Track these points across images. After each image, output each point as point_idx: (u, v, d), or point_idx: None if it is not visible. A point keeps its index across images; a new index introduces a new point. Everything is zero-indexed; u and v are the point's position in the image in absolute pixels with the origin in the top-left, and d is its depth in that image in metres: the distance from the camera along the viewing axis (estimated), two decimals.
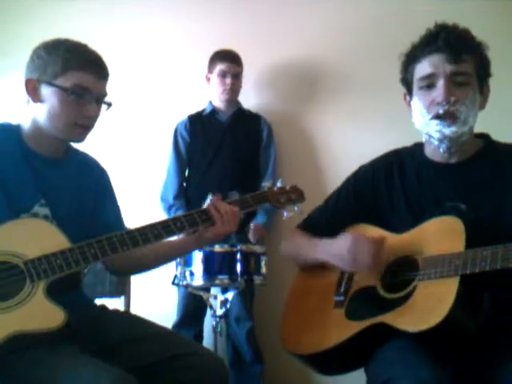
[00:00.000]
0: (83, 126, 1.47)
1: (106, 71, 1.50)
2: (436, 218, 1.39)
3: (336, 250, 1.47)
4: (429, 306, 1.27)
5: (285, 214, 1.69)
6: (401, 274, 1.41)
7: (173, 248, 1.61)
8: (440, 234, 1.37)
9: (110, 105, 1.53)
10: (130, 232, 1.42)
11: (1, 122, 1.54)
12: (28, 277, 1.29)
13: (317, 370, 1.55)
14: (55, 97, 1.43)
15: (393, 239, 1.47)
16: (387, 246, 1.45)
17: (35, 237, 1.35)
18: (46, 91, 1.44)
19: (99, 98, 1.48)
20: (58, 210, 1.46)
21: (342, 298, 1.47)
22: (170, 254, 1.63)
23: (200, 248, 1.90)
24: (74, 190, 1.53)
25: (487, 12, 2.77)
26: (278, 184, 1.71)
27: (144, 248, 1.45)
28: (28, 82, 1.45)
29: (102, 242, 1.38)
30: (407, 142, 1.61)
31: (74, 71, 1.42)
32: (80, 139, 1.50)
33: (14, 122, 1.53)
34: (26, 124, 1.49)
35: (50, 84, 1.42)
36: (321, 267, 1.56)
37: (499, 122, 1.82)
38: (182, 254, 1.89)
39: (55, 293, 1.30)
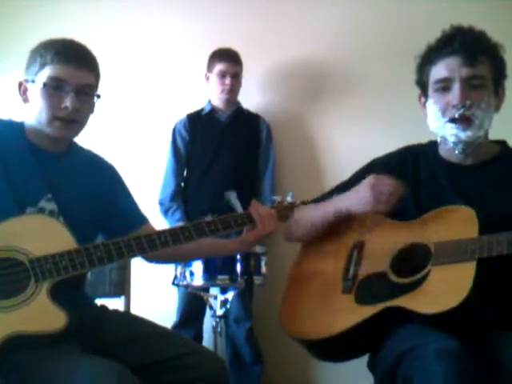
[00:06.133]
0: (63, 119, 1.44)
1: (86, 61, 1.47)
2: (447, 206, 1.40)
3: (355, 194, 1.48)
4: (446, 289, 1.28)
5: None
6: (412, 259, 1.42)
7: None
8: (452, 222, 1.37)
9: (98, 96, 1.52)
10: (137, 238, 1.40)
11: (5, 119, 1.55)
12: (33, 275, 1.28)
13: (320, 355, 1.54)
14: (36, 93, 1.44)
15: (402, 226, 1.48)
16: (396, 233, 1.46)
17: (41, 234, 1.33)
18: (30, 90, 1.46)
19: (79, 89, 1.45)
20: (64, 206, 1.46)
21: (350, 284, 1.47)
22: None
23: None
24: (81, 185, 1.53)
25: (487, 13, 2.77)
26: (289, 198, 1.69)
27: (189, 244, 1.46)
28: (19, 85, 1.49)
29: (109, 245, 1.36)
30: (410, 142, 1.62)
31: (50, 65, 1.43)
32: (63, 134, 1.47)
33: (17, 119, 1.53)
34: (26, 122, 1.50)
35: (33, 82, 1.45)
36: (326, 252, 1.57)
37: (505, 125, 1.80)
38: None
39: (57, 292, 1.29)
